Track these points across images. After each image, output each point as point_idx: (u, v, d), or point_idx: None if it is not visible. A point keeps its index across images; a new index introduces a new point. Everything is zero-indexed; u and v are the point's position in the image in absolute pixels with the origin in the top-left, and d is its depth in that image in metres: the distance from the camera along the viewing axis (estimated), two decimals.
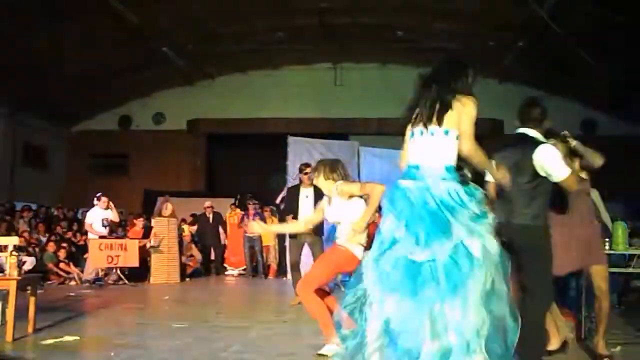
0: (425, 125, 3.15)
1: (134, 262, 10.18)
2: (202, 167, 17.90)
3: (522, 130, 3.93)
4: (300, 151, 12.11)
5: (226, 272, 12.47)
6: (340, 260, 4.37)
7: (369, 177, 11.85)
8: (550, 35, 12.06)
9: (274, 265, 12.19)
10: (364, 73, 16.69)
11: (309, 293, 4.27)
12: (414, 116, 3.23)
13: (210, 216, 12.67)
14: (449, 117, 3.13)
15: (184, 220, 13.04)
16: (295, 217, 7.22)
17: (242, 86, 17.01)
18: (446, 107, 3.14)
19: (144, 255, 10.56)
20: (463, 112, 3.14)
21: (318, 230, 7.15)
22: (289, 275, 8.58)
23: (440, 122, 3.13)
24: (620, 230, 5.22)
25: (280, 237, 12.37)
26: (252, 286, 10.76)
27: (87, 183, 15.79)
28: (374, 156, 12.11)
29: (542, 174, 3.68)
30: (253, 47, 15.42)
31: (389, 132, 16.39)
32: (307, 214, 6.97)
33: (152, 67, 15.59)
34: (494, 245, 2.99)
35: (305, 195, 7.47)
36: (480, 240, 2.96)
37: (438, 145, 3.13)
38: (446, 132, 3.12)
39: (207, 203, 12.85)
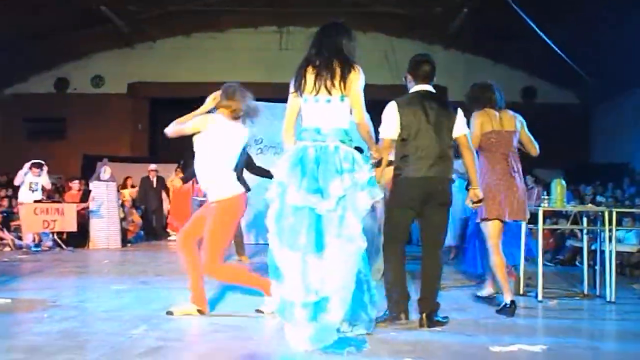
0: (326, 92, 3.45)
1: (72, 227, 9.85)
2: (144, 131, 17.42)
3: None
4: None
5: (169, 238, 12.23)
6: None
7: None
8: (494, 1, 12.16)
9: None
10: (310, 37, 16.46)
11: (217, 265, 4.12)
12: (308, 80, 3.49)
13: (154, 180, 12.37)
14: (344, 84, 3.45)
15: (124, 186, 12.68)
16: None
17: (186, 49, 16.55)
18: (343, 75, 3.45)
19: (82, 220, 10.22)
20: (354, 80, 3.47)
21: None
22: None
23: (337, 89, 3.44)
24: (559, 188, 5.34)
25: None
26: None
27: (22, 148, 15.13)
28: None
29: None
30: (197, 9, 14.97)
31: None
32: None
33: (89, 28, 14.91)
34: (366, 210, 3.41)
35: None
36: (359, 202, 3.34)
37: (335, 110, 3.47)
38: (342, 99, 3.47)
39: (152, 166, 12.55)
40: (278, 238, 3.37)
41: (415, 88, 4.09)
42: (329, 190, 3.30)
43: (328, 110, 3.49)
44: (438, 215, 3.96)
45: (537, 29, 11.74)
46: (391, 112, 3.97)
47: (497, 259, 4.53)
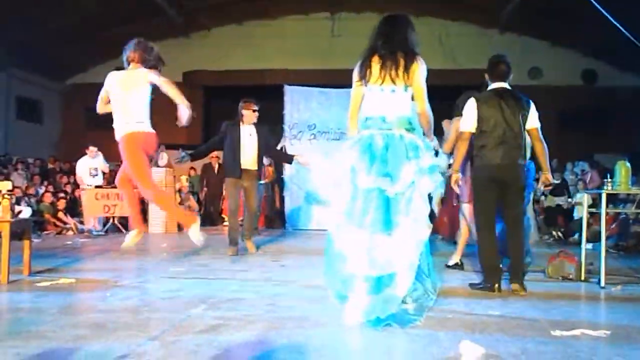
0: (391, 82, 3.61)
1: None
2: (199, 119, 17.71)
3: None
4: (298, 100, 11.97)
5: (224, 223, 12.41)
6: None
7: None
8: None
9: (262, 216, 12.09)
10: (362, 22, 16.33)
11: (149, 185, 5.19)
12: (373, 70, 3.66)
13: (216, 166, 12.55)
14: (407, 75, 3.61)
15: (183, 174, 12.95)
16: (235, 157, 6.98)
17: (239, 37, 16.71)
18: (406, 65, 3.61)
19: (142, 206, 10.50)
20: (417, 71, 3.63)
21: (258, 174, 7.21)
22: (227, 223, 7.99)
23: (400, 80, 3.60)
24: (624, 170, 5.14)
25: (280, 187, 12.35)
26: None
27: (82, 136, 15.64)
28: None
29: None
30: None
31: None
32: (250, 154, 7.02)
33: (146, 18, 15.25)
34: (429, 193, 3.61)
35: (249, 133, 7.09)
36: (424, 187, 3.52)
37: (399, 100, 3.63)
38: (405, 89, 3.63)
39: (214, 153, 12.73)
40: (347, 217, 3.55)
41: (492, 86, 4.70)
42: (399, 175, 3.48)
43: (392, 99, 3.64)
44: (515, 198, 4.55)
45: (599, 8, 11.29)
46: (471, 107, 4.60)
47: (466, 231, 5.72)
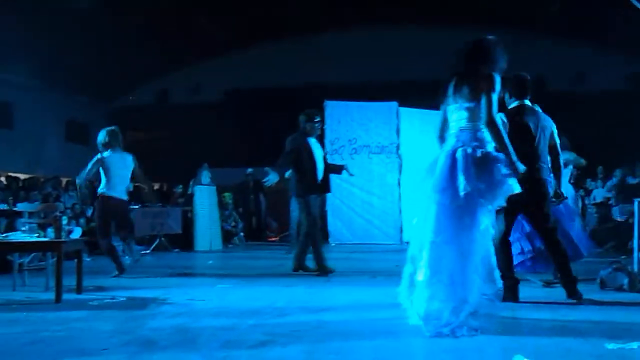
0: (465, 98, 3.78)
1: (177, 229, 10.30)
2: (241, 136, 17.93)
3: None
4: (338, 115, 12.01)
5: (268, 239, 12.52)
6: None
7: (408, 137, 11.70)
8: None
9: None
10: (402, 36, 16.36)
11: None
12: (452, 89, 3.84)
13: (251, 183, 12.70)
14: (480, 91, 3.75)
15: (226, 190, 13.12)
16: (314, 172, 6.64)
17: (278, 53, 16.89)
18: (479, 82, 3.77)
19: (187, 223, 10.68)
20: (488, 87, 3.76)
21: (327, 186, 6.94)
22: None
23: (473, 96, 3.76)
24: None
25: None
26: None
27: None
28: (413, 116, 11.88)
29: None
30: (288, 14, 15.25)
31: (429, 96, 16.12)
32: (321, 166, 6.72)
33: (188, 38, 15.58)
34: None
35: (315, 145, 6.82)
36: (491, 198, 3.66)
37: (472, 115, 3.78)
38: (477, 105, 3.76)
39: (249, 170, 12.87)
40: (417, 229, 3.79)
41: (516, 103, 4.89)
42: (459, 186, 3.60)
43: (464, 117, 3.81)
44: (538, 209, 4.69)
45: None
46: None
47: None
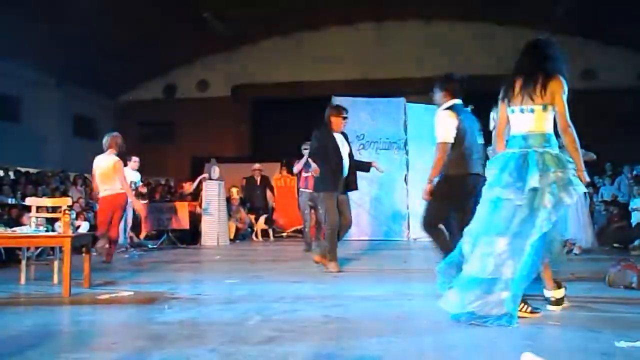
0: (530, 101, 3.81)
1: (185, 225, 10.32)
2: (247, 131, 17.96)
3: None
4: None
5: (275, 234, 12.53)
6: None
7: (416, 134, 11.67)
8: None
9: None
10: (407, 31, 16.31)
11: None
12: (515, 91, 3.87)
13: (258, 179, 12.70)
14: (547, 94, 3.78)
15: (234, 185, 13.13)
16: (337, 168, 6.46)
17: (285, 49, 16.90)
18: (545, 85, 3.77)
19: (194, 218, 10.70)
20: (557, 91, 3.78)
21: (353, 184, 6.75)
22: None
23: (540, 99, 3.78)
24: None
25: None
26: (302, 246, 10.74)
27: (135, 151, 16.07)
28: (421, 113, 11.84)
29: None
30: (294, 9, 15.23)
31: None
32: (346, 161, 6.54)
33: (194, 34, 15.59)
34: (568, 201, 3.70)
35: (340, 141, 6.62)
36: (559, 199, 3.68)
37: (538, 119, 3.82)
38: (544, 108, 3.80)
39: (256, 166, 12.85)
40: (478, 226, 3.85)
41: (451, 102, 4.99)
42: (527, 186, 3.69)
43: (533, 118, 3.84)
44: (468, 204, 4.68)
45: None
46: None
47: None
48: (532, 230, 3.65)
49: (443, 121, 4.84)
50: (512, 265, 3.63)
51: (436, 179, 4.92)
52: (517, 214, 3.70)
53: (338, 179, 6.46)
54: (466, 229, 3.94)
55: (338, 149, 6.51)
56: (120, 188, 7.81)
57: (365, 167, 7.19)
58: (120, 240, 9.54)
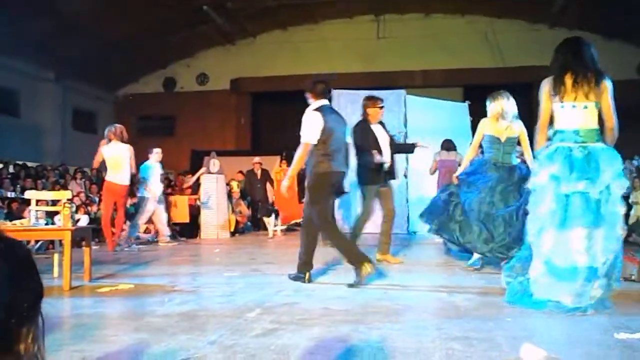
0: (584, 98, 3.95)
1: (184, 218, 10.32)
2: (247, 125, 17.94)
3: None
4: (345, 104, 11.95)
5: (274, 228, 12.52)
6: None
7: (416, 126, 11.65)
8: None
9: None
10: (407, 24, 16.27)
11: None
12: (567, 86, 3.96)
13: (259, 172, 12.69)
14: (598, 92, 3.96)
15: (234, 179, 13.13)
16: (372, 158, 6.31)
17: (284, 43, 16.87)
18: (597, 84, 3.95)
19: (194, 212, 10.70)
20: (607, 90, 3.99)
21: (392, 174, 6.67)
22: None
23: (592, 96, 3.96)
24: None
25: None
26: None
27: (135, 145, 16.06)
28: (421, 106, 11.84)
29: None
30: (293, 3, 15.19)
31: (434, 84, 16.04)
32: (386, 153, 6.47)
33: (193, 28, 15.56)
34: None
35: (379, 131, 6.57)
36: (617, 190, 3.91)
37: (590, 115, 4.00)
38: (596, 105, 3.98)
39: (256, 159, 12.83)
40: (550, 219, 3.95)
41: (318, 103, 5.20)
42: (598, 180, 3.86)
43: (586, 114, 4.00)
44: (333, 200, 5.28)
45: None
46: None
47: None
48: (614, 219, 3.89)
49: (308, 122, 5.05)
50: (602, 253, 3.80)
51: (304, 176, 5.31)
52: (596, 205, 3.86)
53: (379, 171, 6.42)
54: (533, 226, 4.06)
55: (377, 140, 6.48)
56: (126, 179, 8.52)
57: (409, 148, 7.26)
58: (128, 232, 9.58)
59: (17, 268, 0.85)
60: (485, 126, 5.87)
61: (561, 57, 4.07)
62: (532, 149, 4.68)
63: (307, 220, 5.27)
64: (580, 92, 3.95)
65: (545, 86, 4.08)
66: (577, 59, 4.01)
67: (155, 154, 9.90)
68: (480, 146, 5.99)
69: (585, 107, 3.98)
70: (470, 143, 6.42)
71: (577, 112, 3.99)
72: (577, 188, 3.88)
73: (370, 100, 6.71)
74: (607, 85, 3.99)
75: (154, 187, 9.66)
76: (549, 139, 4.14)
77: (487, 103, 5.95)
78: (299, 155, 5.10)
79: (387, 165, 6.46)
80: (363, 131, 6.52)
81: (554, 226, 3.92)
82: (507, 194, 5.68)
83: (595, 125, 4.01)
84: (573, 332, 3.28)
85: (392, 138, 6.74)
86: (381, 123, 6.72)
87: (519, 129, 5.91)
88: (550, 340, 3.07)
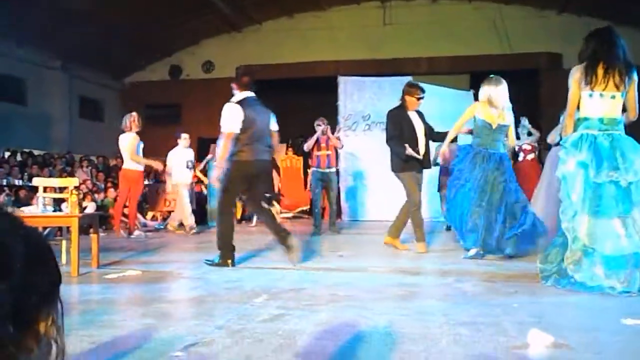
0: (614, 88, 4.09)
1: (192, 205, 10.34)
2: None
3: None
4: (351, 91, 11.94)
5: (280, 215, 12.53)
6: None
7: (423, 113, 11.59)
8: None
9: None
10: (413, 10, 16.15)
11: None
12: (598, 76, 4.09)
13: None
14: (626, 83, 4.11)
15: None
16: (414, 148, 6.29)
17: (290, 30, 16.78)
18: (628, 75, 4.10)
19: (201, 199, 10.72)
20: (635, 81, 4.15)
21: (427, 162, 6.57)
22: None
23: (621, 87, 4.10)
24: None
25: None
26: (307, 226, 10.76)
27: (142, 133, 16.09)
28: (428, 92, 11.73)
29: None
30: None
31: (440, 71, 15.95)
32: (422, 141, 6.40)
33: (199, 15, 15.50)
34: None
35: (416, 119, 6.48)
36: None
37: (617, 104, 4.15)
38: (622, 95, 4.14)
39: None
40: (582, 206, 4.06)
41: (242, 95, 5.51)
42: (630, 167, 4.00)
43: (612, 104, 4.13)
44: (262, 187, 5.64)
45: None
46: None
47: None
48: None
49: (229, 113, 5.30)
50: (632, 240, 3.92)
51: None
52: (627, 193, 4.00)
53: (412, 159, 6.33)
54: (568, 213, 4.12)
55: (414, 128, 6.40)
56: (135, 165, 8.75)
57: (444, 137, 7.07)
58: (189, 221, 9.53)
59: (36, 254, 0.88)
60: (478, 110, 5.84)
61: (592, 46, 4.20)
62: (559, 134, 5.01)
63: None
64: (610, 82, 4.08)
65: (576, 74, 4.21)
66: (609, 49, 4.14)
67: (184, 140, 9.93)
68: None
69: (613, 97, 4.11)
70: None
71: (604, 101, 4.12)
72: (610, 177, 3.99)
73: (412, 88, 6.56)
74: (635, 77, 4.14)
75: (182, 173, 9.68)
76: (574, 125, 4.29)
77: (480, 87, 5.93)
78: (222, 145, 5.31)
79: (420, 155, 6.38)
80: (398, 118, 6.43)
81: (589, 213, 4.03)
82: (496, 184, 5.68)
83: (619, 115, 4.16)
84: (581, 318, 3.28)
85: (429, 127, 6.57)
86: (419, 112, 6.57)
87: (509, 119, 5.87)
88: (557, 326, 3.07)
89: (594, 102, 4.15)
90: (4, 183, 10.36)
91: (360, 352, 2.64)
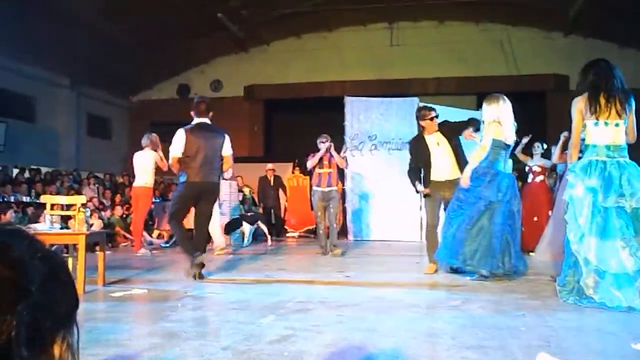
0: (617, 116, 4.37)
1: None
2: (260, 132, 17.97)
3: None
4: (358, 111, 11.98)
5: (287, 234, 12.53)
6: None
7: None
8: None
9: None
10: (420, 32, 16.25)
11: None
12: (601, 105, 4.37)
13: (272, 179, 12.73)
14: (627, 111, 4.40)
15: (247, 185, 13.15)
16: (426, 171, 6.35)
17: (297, 50, 16.90)
18: (628, 103, 4.39)
19: None
20: (633, 108, 4.43)
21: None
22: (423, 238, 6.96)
23: (623, 115, 4.38)
24: None
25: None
26: (314, 246, 10.74)
27: None
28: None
29: None
30: (307, 10, 15.23)
31: (447, 92, 16.00)
32: (443, 163, 6.33)
33: (208, 35, 15.64)
34: None
35: (436, 142, 6.40)
36: None
37: (620, 132, 4.40)
38: (625, 122, 4.40)
39: (270, 166, 12.88)
40: (589, 229, 4.26)
41: (196, 121, 6.09)
42: (637, 194, 4.21)
43: (616, 131, 4.39)
44: (206, 206, 6.02)
45: None
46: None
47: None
48: None
49: (175, 138, 5.90)
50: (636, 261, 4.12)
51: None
52: (632, 217, 4.20)
53: (428, 181, 6.35)
54: (575, 235, 4.31)
55: (429, 154, 6.36)
56: (147, 182, 8.98)
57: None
58: (219, 241, 9.43)
59: (54, 276, 0.89)
60: (495, 130, 5.59)
61: (591, 77, 4.44)
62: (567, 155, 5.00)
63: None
64: (612, 111, 4.35)
65: (579, 104, 4.45)
66: (607, 80, 4.39)
67: None
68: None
69: (617, 125, 4.38)
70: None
71: (609, 129, 4.38)
72: (617, 203, 4.21)
73: (422, 111, 6.51)
74: (633, 103, 4.42)
75: None
76: (581, 152, 4.55)
77: (484, 106, 5.72)
78: (170, 166, 6.06)
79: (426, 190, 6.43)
80: (412, 147, 6.57)
81: (596, 235, 4.23)
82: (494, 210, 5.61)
83: (623, 141, 4.40)
84: (589, 342, 3.25)
85: (457, 147, 6.42)
86: (441, 132, 6.46)
87: (513, 137, 5.74)
88: (565, 349, 3.04)
89: (600, 130, 4.39)
90: (12, 199, 10.41)
91: None
